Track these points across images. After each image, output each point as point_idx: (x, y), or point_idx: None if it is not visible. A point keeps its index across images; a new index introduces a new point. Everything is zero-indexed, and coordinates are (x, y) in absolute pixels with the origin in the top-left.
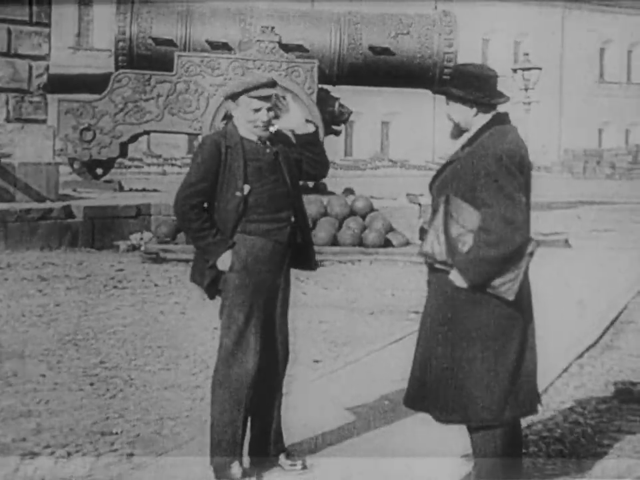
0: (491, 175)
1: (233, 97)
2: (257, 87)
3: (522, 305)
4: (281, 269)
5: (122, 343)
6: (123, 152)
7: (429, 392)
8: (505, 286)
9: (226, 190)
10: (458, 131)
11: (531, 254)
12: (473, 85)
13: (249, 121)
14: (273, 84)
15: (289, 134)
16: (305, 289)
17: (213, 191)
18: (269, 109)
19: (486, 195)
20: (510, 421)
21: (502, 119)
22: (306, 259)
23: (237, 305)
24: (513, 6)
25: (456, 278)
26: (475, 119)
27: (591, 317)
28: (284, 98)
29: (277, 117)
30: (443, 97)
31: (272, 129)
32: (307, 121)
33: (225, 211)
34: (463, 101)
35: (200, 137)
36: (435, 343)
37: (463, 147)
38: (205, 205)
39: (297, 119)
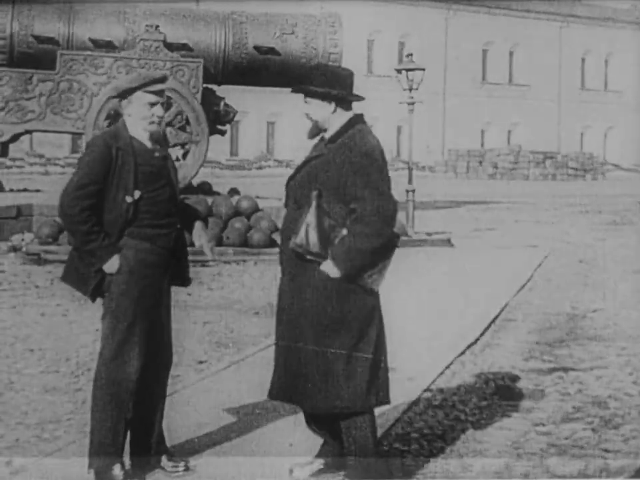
0: (360, 171)
1: (127, 93)
2: (153, 82)
3: (378, 296)
4: (165, 273)
5: (2, 345)
6: (4, 152)
7: (297, 383)
8: (372, 277)
9: (115, 193)
10: (316, 130)
11: (395, 247)
12: (333, 83)
13: (143, 117)
14: (165, 79)
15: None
16: (189, 290)
17: (101, 193)
18: (162, 104)
19: (358, 190)
20: (373, 408)
21: (361, 119)
22: (180, 273)
23: (123, 309)
24: (397, 7)
25: (329, 268)
26: (333, 116)
27: (473, 314)
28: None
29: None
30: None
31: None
32: None
33: (113, 214)
34: (323, 97)
35: (83, 137)
36: (299, 333)
37: (325, 144)
38: (93, 207)
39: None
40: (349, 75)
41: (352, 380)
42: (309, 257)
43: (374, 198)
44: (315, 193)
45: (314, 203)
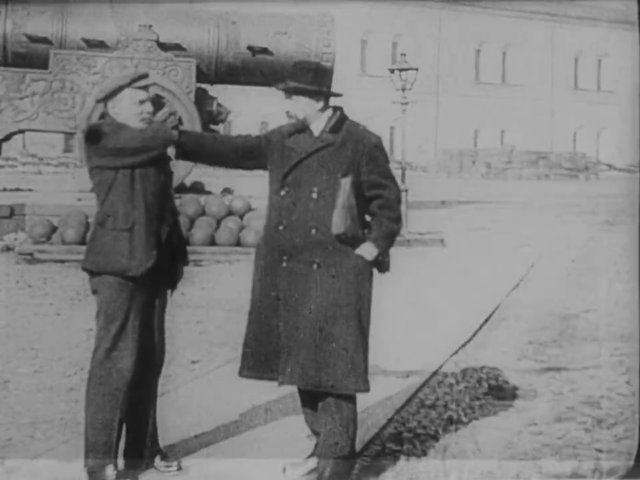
0: (376, 160)
1: (114, 93)
2: (138, 78)
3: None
4: (160, 270)
5: None
6: None
7: (329, 365)
8: (388, 260)
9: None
10: (300, 127)
11: None
12: (319, 79)
13: (134, 114)
14: (147, 75)
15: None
16: (182, 289)
17: None
18: (151, 101)
19: (378, 178)
20: (367, 391)
21: (343, 112)
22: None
23: (116, 307)
24: (390, 6)
25: (368, 251)
26: (318, 113)
27: (466, 314)
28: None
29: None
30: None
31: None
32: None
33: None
34: (312, 95)
35: (76, 136)
36: (334, 319)
37: (319, 135)
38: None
39: None
40: (329, 70)
41: (365, 361)
42: (351, 242)
43: (393, 185)
44: (348, 180)
45: (348, 190)
